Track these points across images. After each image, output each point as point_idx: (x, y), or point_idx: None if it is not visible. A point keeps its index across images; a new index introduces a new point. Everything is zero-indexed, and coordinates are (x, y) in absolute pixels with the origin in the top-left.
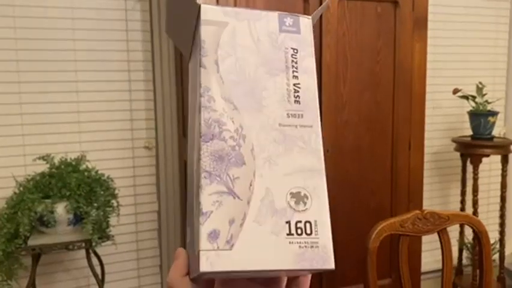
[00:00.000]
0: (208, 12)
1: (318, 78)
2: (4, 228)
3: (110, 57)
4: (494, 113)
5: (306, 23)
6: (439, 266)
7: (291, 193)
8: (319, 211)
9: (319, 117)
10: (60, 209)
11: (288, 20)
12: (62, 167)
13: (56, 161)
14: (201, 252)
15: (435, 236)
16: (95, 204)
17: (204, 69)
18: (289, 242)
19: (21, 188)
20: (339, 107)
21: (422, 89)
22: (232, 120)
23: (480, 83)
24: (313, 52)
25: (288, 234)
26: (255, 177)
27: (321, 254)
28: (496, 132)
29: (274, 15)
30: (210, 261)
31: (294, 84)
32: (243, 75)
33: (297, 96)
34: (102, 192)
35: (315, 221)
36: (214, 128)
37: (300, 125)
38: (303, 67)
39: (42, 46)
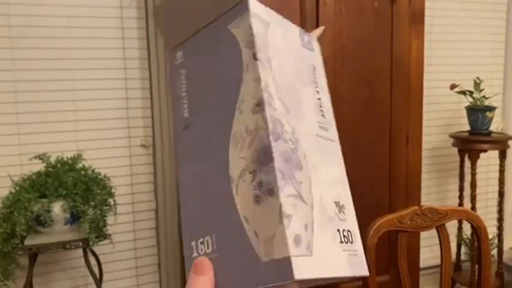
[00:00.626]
0: (255, 5)
1: None
2: (0, 228)
3: (106, 55)
4: (491, 108)
5: (316, 44)
6: (437, 261)
7: (334, 202)
8: (352, 221)
9: (336, 132)
10: (57, 208)
11: (306, 38)
12: (59, 166)
13: (53, 160)
14: (292, 258)
15: (433, 232)
16: (92, 203)
17: (261, 64)
18: (343, 250)
19: (17, 188)
20: (336, 102)
21: (419, 84)
22: (288, 122)
23: (477, 78)
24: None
25: (340, 242)
26: (311, 183)
27: (360, 262)
28: (493, 127)
29: (296, 30)
30: (301, 268)
31: (319, 99)
32: (287, 79)
33: (322, 110)
34: (99, 191)
35: (351, 230)
36: (278, 127)
37: (328, 138)
38: (321, 85)
39: (37, 44)
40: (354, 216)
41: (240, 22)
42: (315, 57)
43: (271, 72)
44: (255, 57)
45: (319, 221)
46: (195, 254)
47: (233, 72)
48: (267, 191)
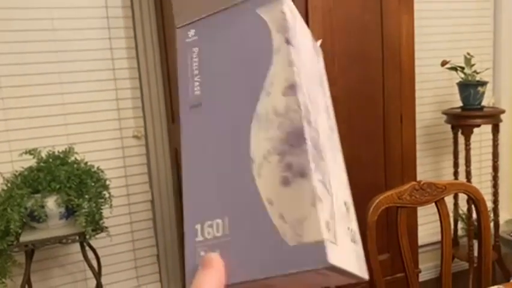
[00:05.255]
0: None
1: None
2: None
3: (92, 46)
4: (483, 83)
5: (321, 52)
6: (435, 239)
7: (344, 202)
8: (355, 223)
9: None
10: (51, 203)
11: (314, 42)
12: (50, 160)
13: (44, 154)
14: (326, 242)
15: (429, 210)
16: (87, 196)
17: (293, 49)
18: (353, 249)
19: (9, 184)
20: (329, 83)
21: (410, 61)
22: (312, 111)
23: (468, 53)
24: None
25: (351, 240)
26: (330, 176)
27: (361, 263)
28: (485, 102)
29: (309, 32)
30: (333, 254)
31: (325, 102)
32: (307, 73)
33: (329, 113)
34: (93, 184)
35: (356, 232)
36: (307, 113)
37: (334, 140)
38: (327, 91)
39: (21, 37)
40: (355, 218)
41: (273, 8)
42: (321, 64)
43: (299, 58)
44: (288, 42)
45: (337, 214)
46: (200, 238)
47: (261, 55)
48: (298, 173)
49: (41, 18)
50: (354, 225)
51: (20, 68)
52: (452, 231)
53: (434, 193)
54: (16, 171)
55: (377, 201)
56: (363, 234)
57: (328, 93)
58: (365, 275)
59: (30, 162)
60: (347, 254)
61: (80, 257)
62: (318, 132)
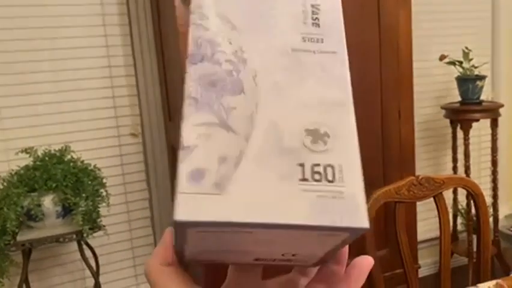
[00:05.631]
0: None
1: None
2: None
3: (87, 43)
4: (481, 77)
5: None
6: (434, 235)
7: (306, 130)
8: (345, 153)
9: (345, 44)
10: (48, 202)
11: None
12: (46, 159)
13: (40, 153)
14: (179, 196)
15: (428, 206)
16: (84, 195)
17: None
18: (303, 190)
19: (5, 183)
20: None
21: (408, 56)
22: (230, 41)
23: (466, 47)
24: None
25: (301, 180)
26: (257, 108)
27: (349, 207)
28: (484, 96)
29: None
30: (191, 208)
31: (313, 5)
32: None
33: (316, 18)
34: (89, 182)
35: (340, 166)
36: (205, 48)
37: (320, 51)
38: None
39: (14, 35)
40: (353, 147)
41: None
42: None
43: None
44: None
45: (259, 152)
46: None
47: None
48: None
49: (34, 16)
50: (337, 159)
51: (13, 66)
52: (451, 227)
53: (433, 188)
54: (12, 170)
55: (375, 196)
56: None
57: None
58: (352, 223)
59: (27, 161)
60: (270, 201)
61: (78, 255)
62: (245, 60)
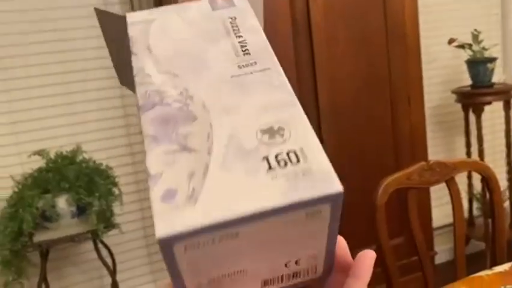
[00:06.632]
0: (133, 15)
1: (308, 40)
2: (8, 227)
3: (95, 44)
4: (492, 59)
5: None
6: (449, 220)
7: (261, 130)
8: (303, 137)
9: (276, 60)
10: (62, 203)
11: (220, 2)
12: (59, 160)
13: (52, 155)
14: (156, 217)
15: (443, 191)
16: (97, 194)
17: (135, 56)
18: (272, 178)
19: (19, 186)
20: (332, 67)
21: (416, 41)
22: (175, 87)
23: (475, 30)
24: (258, 15)
25: (268, 170)
26: (212, 128)
27: (319, 177)
28: (495, 79)
29: (205, 1)
30: (169, 223)
31: (240, 42)
32: (181, 50)
33: (246, 50)
34: (102, 182)
35: (301, 148)
36: (154, 97)
37: (256, 71)
38: (246, 27)
39: (22, 41)
40: (308, 131)
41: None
42: (236, 9)
43: (152, 54)
44: (131, 53)
45: (223, 161)
46: None
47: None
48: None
49: (44, 19)
50: (296, 143)
51: (25, 70)
52: (465, 214)
53: (444, 172)
54: (26, 173)
55: (386, 183)
56: (373, 217)
57: (253, 28)
58: (325, 190)
59: (39, 163)
60: (241, 195)
61: (95, 255)
62: (192, 96)
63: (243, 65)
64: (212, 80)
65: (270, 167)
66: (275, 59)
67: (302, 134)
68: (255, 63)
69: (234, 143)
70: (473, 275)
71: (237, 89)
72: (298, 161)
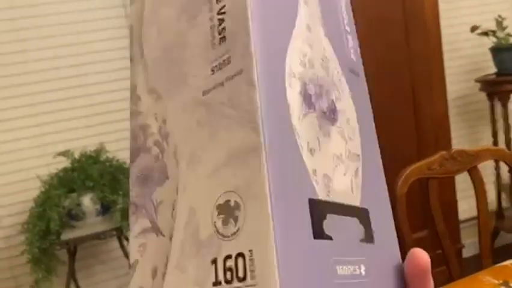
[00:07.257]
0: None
1: None
2: (36, 226)
3: (110, 46)
4: None
5: None
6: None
7: (218, 207)
8: (256, 230)
9: (252, 48)
10: (87, 201)
11: None
12: (83, 160)
13: (76, 155)
14: None
15: (469, 183)
16: (121, 192)
17: (132, 63)
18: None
19: (46, 186)
20: None
21: (437, 30)
22: (156, 116)
23: (499, 16)
24: None
25: (214, 285)
26: (177, 194)
27: None
28: None
29: None
30: None
31: (219, 12)
32: (166, 44)
33: (223, 28)
34: (125, 180)
35: (250, 252)
36: (140, 138)
37: (228, 78)
38: None
39: (45, 44)
40: (263, 213)
41: None
42: None
43: (143, 59)
44: (130, 58)
45: (180, 254)
46: None
47: None
48: None
49: (59, 23)
50: (244, 240)
51: (47, 73)
52: (493, 206)
53: (466, 161)
54: (52, 173)
55: (406, 172)
56: (393, 208)
57: None
58: None
59: (65, 163)
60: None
61: (121, 252)
62: (168, 133)
63: (216, 67)
64: (187, 99)
65: (216, 279)
66: (249, 39)
67: (256, 221)
68: (229, 60)
69: (193, 227)
70: (499, 264)
71: (205, 121)
72: (244, 276)
